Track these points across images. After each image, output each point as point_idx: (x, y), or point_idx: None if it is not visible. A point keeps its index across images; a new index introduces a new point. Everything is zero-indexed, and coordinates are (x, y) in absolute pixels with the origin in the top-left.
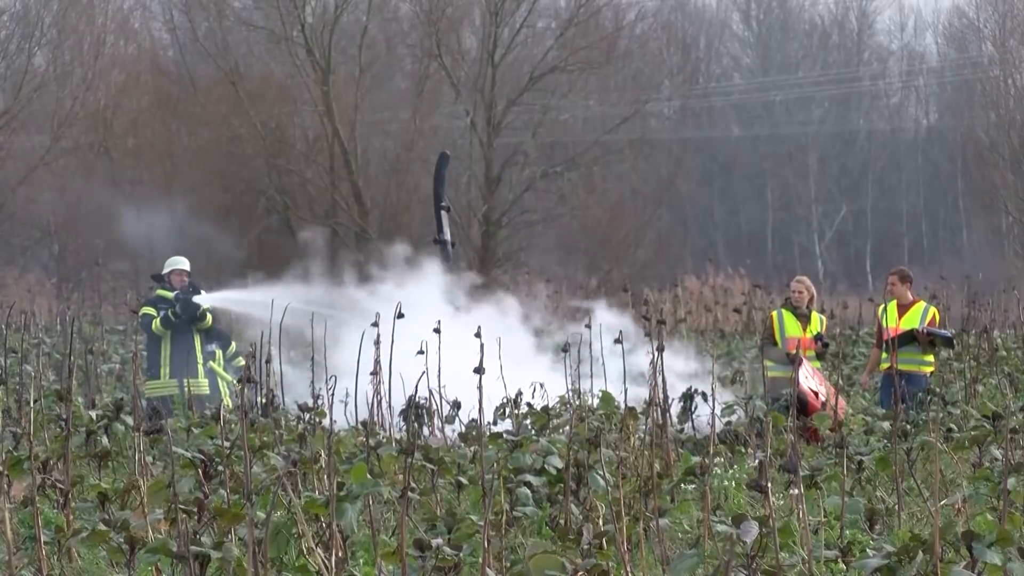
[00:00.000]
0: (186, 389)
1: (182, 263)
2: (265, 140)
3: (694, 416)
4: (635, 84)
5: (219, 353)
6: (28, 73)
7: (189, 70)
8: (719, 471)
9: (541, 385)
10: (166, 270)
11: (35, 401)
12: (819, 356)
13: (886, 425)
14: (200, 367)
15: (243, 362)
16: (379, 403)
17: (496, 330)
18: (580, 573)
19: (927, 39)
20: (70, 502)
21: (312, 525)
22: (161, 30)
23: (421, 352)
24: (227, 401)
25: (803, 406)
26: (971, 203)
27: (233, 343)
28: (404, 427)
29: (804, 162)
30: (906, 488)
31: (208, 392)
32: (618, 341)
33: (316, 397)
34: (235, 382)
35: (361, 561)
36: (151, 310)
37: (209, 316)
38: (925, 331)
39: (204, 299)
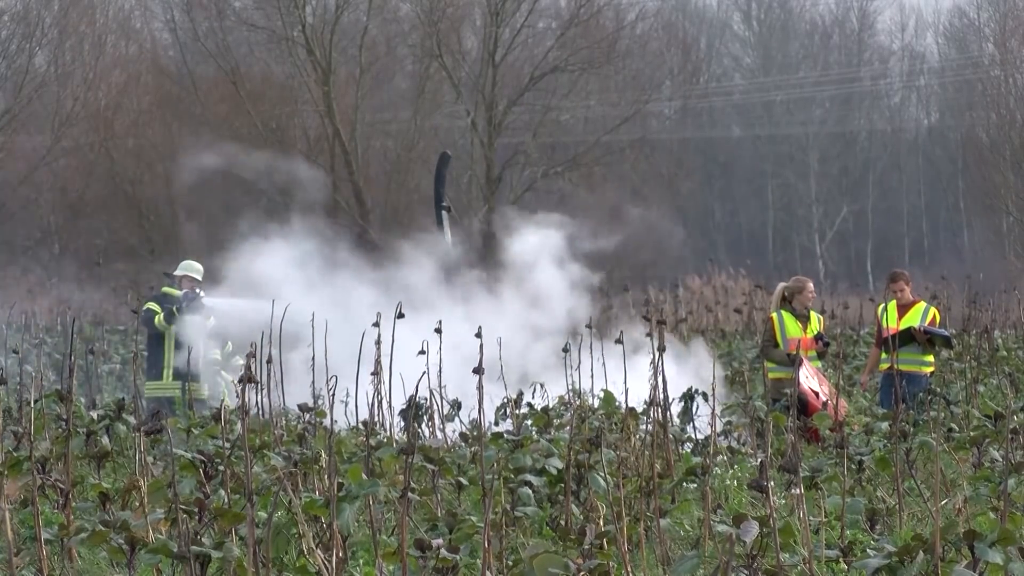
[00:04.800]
0: (187, 392)
1: (195, 270)
2: (266, 140)
3: (696, 416)
4: (636, 84)
5: (217, 352)
6: (29, 73)
7: (190, 70)
8: (720, 471)
9: (541, 385)
10: (179, 272)
11: (36, 401)
12: (820, 356)
13: (886, 425)
14: (201, 371)
15: (240, 361)
16: (379, 403)
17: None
18: (582, 573)
19: (928, 39)
20: (70, 502)
21: (312, 525)
22: (162, 30)
23: (422, 352)
24: (227, 401)
25: (804, 406)
26: (972, 203)
27: (229, 342)
28: (404, 427)
29: (805, 162)
30: (907, 488)
31: (206, 396)
32: (619, 341)
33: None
34: (234, 381)
35: (361, 561)
36: (155, 306)
37: (212, 319)
38: (923, 329)
39: (209, 301)
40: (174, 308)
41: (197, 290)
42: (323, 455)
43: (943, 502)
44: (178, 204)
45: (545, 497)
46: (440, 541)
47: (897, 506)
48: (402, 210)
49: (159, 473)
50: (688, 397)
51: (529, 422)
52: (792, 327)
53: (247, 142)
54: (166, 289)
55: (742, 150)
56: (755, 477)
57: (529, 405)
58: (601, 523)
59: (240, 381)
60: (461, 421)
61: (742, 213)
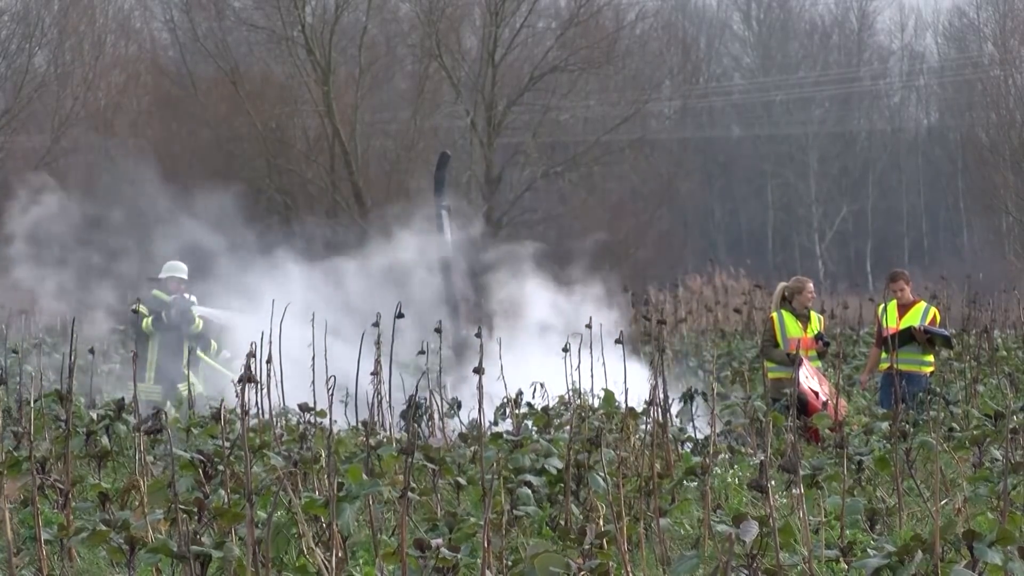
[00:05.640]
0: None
1: (180, 270)
2: (265, 140)
3: (695, 416)
4: (635, 84)
5: (204, 354)
6: (29, 73)
7: (189, 70)
8: (720, 471)
9: (541, 385)
10: (163, 275)
11: (35, 401)
12: (820, 356)
13: (886, 425)
14: (188, 373)
15: (228, 354)
16: (379, 403)
17: None
18: (582, 573)
19: (927, 39)
20: (70, 502)
21: (312, 525)
22: (161, 30)
23: (422, 352)
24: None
25: (803, 406)
26: (971, 203)
27: (213, 342)
28: (405, 427)
29: (804, 162)
30: (906, 488)
31: (160, 400)
32: (619, 341)
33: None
34: (233, 380)
35: (361, 561)
36: (144, 309)
37: (200, 322)
38: (923, 329)
39: (199, 311)
40: (163, 313)
41: (187, 295)
42: (323, 455)
43: (943, 502)
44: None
45: (545, 497)
46: (440, 541)
47: (897, 506)
48: (402, 210)
49: (159, 473)
50: (688, 397)
51: (529, 422)
52: (792, 327)
53: (247, 142)
54: (156, 293)
55: (742, 150)
56: (755, 477)
57: (529, 405)
58: (601, 523)
59: (239, 380)
60: (461, 421)
61: (742, 213)
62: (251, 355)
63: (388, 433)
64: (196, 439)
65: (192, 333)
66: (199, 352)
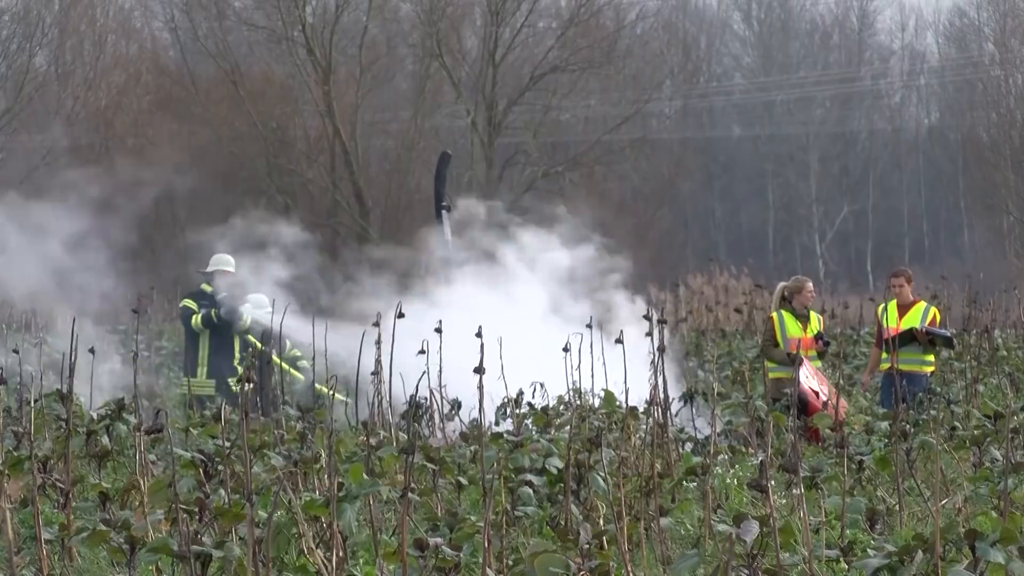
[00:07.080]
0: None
1: (229, 264)
2: (266, 140)
3: (696, 416)
4: (636, 84)
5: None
6: (29, 73)
7: (190, 70)
8: (720, 471)
9: (542, 385)
10: (211, 268)
11: (36, 401)
12: (820, 355)
13: (886, 425)
14: (238, 368)
15: (305, 362)
16: (380, 402)
17: None
18: (583, 573)
19: (928, 39)
20: (70, 502)
21: (312, 525)
22: (162, 30)
23: (422, 352)
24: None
25: (804, 406)
26: (972, 203)
27: (288, 342)
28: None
29: (805, 162)
30: (907, 488)
31: (213, 393)
32: (619, 341)
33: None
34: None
35: (362, 561)
36: (193, 304)
37: (248, 319)
38: (924, 330)
39: (248, 311)
40: (212, 313)
41: (239, 294)
42: (323, 455)
43: (943, 502)
44: (179, 204)
45: (545, 497)
46: (440, 540)
47: (897, 506)
48: (402, 210)
49: (159, 473)
50: (688, 397)
51: (529, 422)
52: (792, 327)
53: (247, 142)
54: (204, 286)
55: (742, 150)
56: (755, 477)
57: (529, 405)
58: (601, 523)
59: (238, 381)
60: (461, 421)
61: (743, 213)
62: (254, 356)
63: (388, 433)
64: (196, 439)
65: (240, 329)
66: (274, 355)
